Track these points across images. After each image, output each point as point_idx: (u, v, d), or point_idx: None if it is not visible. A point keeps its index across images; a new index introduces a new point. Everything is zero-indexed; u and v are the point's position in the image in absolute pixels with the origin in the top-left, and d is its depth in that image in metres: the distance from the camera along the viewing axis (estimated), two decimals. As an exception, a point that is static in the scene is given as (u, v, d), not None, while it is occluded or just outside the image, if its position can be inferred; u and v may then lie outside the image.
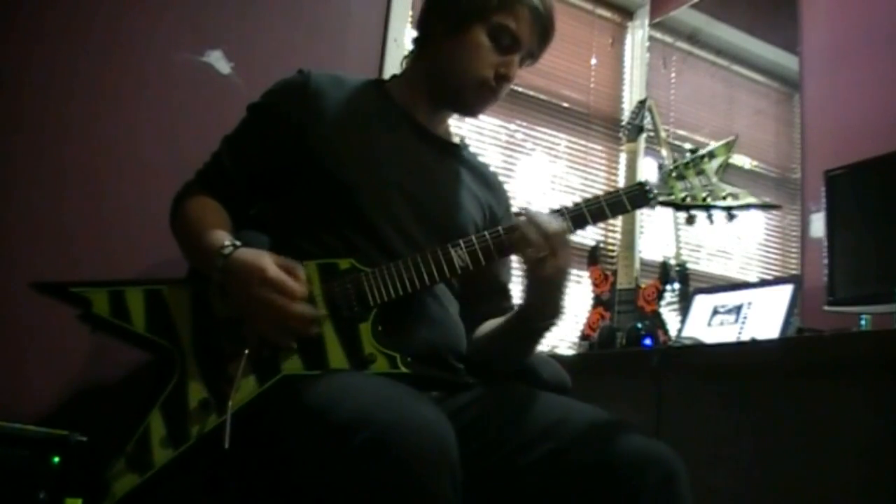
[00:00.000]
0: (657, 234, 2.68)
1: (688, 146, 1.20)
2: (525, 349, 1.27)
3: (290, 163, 1.24)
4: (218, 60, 1.92)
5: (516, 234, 1.11)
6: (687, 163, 1.18)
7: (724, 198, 1.15)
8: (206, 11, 1.94)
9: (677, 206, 1.18)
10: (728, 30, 2.80)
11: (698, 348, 1.82)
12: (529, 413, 1.12)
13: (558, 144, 2.74)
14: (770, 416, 1.60)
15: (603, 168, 2.82)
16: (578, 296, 2.44)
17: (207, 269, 1.13)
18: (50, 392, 1.64)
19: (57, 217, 1.71)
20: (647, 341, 1.97)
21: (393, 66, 2.12)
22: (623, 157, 2.61)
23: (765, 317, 1.96)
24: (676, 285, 2.29)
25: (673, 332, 2.15)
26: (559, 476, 1.05)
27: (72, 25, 1.78)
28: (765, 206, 1.18)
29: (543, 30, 1.28)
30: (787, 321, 1.91)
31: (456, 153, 1.40)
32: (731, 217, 1.16)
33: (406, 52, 2.10)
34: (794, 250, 2.42)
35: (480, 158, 1.46)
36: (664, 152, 2.53)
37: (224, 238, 1.14)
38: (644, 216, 2.64)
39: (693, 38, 2.85)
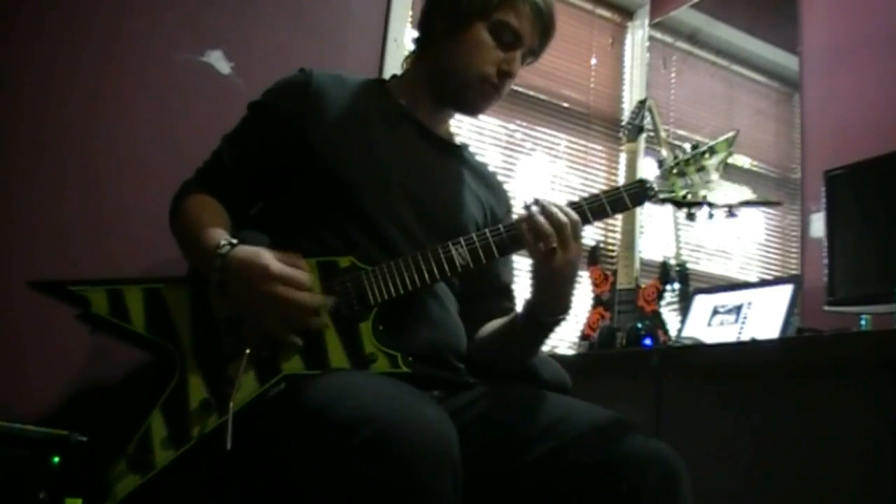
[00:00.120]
0: (657, 234, 2.68)
1: (688, 146, 1.20)
2: (531, 347, 1.26)
3: (290, 161, 1.24)
4: (218, 60, 1.92)
5: (527, 223, 1.10)
6: (688, 159, 1.18)
7: (725, 194, 1.15)
8: (206, 11, 1.94)
9: (678, 203, 1.17)
10: (728, 30, 2.80)
11: (698, 348, 1.82)
12: (530, 413, 1.12)
13: (558, 144, 2.74)
14: (770, 416, 1.60)
15: (603, 168, 2.82)
16: (579, 296, 2.44)
17: (205, 269, 1.12)
18: (50, 392, 1.64)
19: (57, 217, 1.71)
20: (647, 341, 1.97)
21: (393, 66, 2.11)
22: (623, 158, 2.61)
23: (765, 317, 1.97)
24: (676, 285, 2.29)
25: (673, 332, 2.15)
26: (560, 475, 1.05)
27: (72, 25, 1.78)
28: (765, 203, 1.18)
29: (544, 26, 1.29)
30: (787, 321, 1.91)
31: (457, 153, 1.40)
32: (731, 214, 1.16)
33: (406, 52, 2.11)
34: (794, 250, 2.42)
35: (481, 159, 1.47)
36: (664, 152, 2.53)
37: (221, 237, 1.14)
38: (644, 216, 2.64)
39: (693, 38, 2.85)
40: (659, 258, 2.42)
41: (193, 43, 1.90)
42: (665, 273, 2.25)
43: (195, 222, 1.21)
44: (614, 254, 2.56)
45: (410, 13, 2.21)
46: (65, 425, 1.37)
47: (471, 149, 1.46)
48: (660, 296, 2.21)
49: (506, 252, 1.15)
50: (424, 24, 1.34)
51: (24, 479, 1.30)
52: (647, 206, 1.23)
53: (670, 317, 2.27)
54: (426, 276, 1.13)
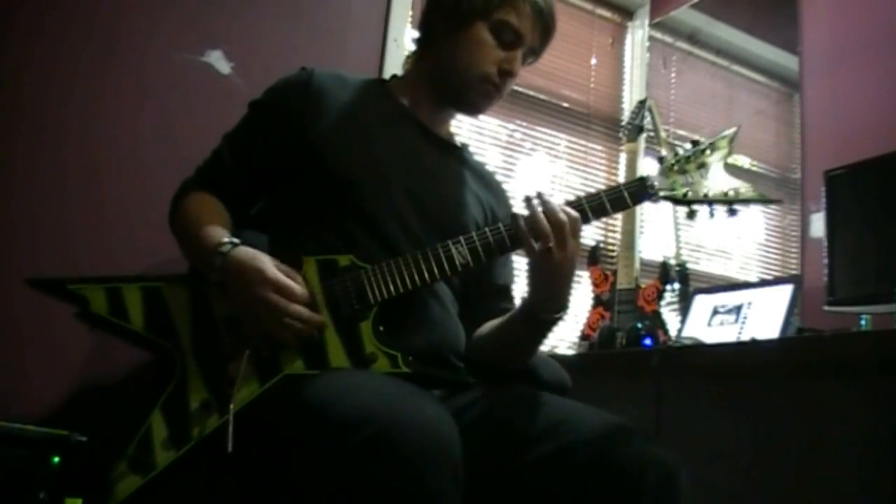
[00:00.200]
0: (657, 234, 2.68)
1: (688, 144, 1.20)
2: (530, 345, 1.25)
3: (291, 160, 1.24)
4: (218, 60, 1.92)
5: (525, 221, 1.09)
6: (688, 156, 1.17)
7: (726, 192, 1.15)
8: (206, 11, 1.94)
9: (678, 202, 1.17)
10: (728, 30, 2.80)
11: (698, 348, 1.82)
12: (530, 413, 1.12)
13: (558, 144, 2.74)
14: (770, 416, 1.60)
15: (603, 168, 2.82)
16: (579, 296, 2.43)
17: (205, 267, 1.12)
18: (50, 392, 1.64)
19: (57, 217, 1.71)
20: (647, 341, 1.97)
21: (393, 66, 2.11)
22: (623, 157, 2.61)
23: (765, 317, 1.96)
24: (676, 285, 2.29)
25: (673, 332, 2.15)
26: (560, 476, 1.05)
27: (72, 25, 1.78)
28: (766, 201, 1.18)
29: (545, 26, 1.29)
30: (787, 321, 1.91)
31: (458, 154, 1.40)
32: (732, 212, 1.16)
33: (406, 52, 2.11)
34: (794, 250, 2.42)
35: (481, 159, 1.47)
36: (664, 152, 2.53)
37: (222, 236, 1.14)
38: (644, 216, 2.64)
39: (693, 38, 2.84)
40: (659, 258, 2.42)
41: (193, 43, 1.90)
42: (665, 273, 2.25)
43: (195, 221, 1.21)
44: (614, 254, 2.56)
45: (410, 13, 2.21)
46: (65, 425, 1.37)
47: (471, 149, 1.46)
48: (660, 296, 2.21)
49: (506, 251, 1.15)
50: (425, 23, 1.34)
51: (24, 479, 1.30)
52: (648, 205, 1.22)
53: (670, 317, 2.27)
54: (426, 275, 1.13)
